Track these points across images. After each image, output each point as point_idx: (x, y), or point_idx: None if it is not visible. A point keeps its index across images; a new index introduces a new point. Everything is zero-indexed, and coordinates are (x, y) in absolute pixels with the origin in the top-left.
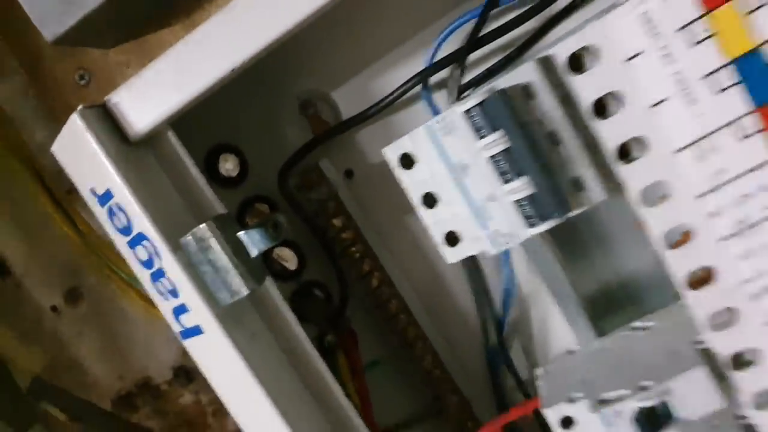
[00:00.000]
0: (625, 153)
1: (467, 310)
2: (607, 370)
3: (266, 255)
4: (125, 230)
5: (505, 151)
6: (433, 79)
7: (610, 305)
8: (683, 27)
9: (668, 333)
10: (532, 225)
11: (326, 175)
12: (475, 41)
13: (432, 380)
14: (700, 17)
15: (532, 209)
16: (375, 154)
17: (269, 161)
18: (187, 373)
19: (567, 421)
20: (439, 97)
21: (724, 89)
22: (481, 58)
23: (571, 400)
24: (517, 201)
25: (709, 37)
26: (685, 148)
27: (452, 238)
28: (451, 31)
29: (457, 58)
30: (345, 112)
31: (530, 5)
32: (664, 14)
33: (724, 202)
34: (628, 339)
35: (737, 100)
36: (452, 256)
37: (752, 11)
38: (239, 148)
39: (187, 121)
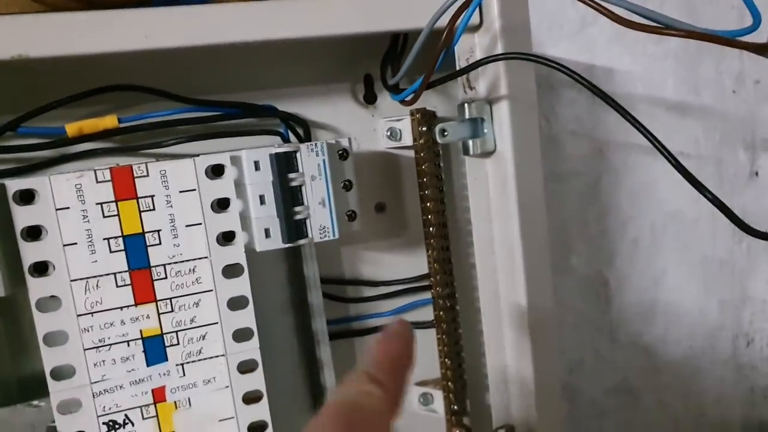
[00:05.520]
0: (39, 269)
1: None
2: None
3: None
4: None
5: None
6: None
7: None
8: (100, 203)
9: (46, 411)
10: None
11: None
12: None
13: None
14: (113, 201)
15: None
16: None
17: None
18: None
19: None
20: None
21: (113, 251)
22: None
23: None
24: None
25: (115, 216)
26: (78, 279)
27: None
28: None
29: None
30: None
31: (45, 141)
32: (91, 191)
33: (94, 324)
34: (17, 411)
35: (120, 261)
36: None
37: (145, 211)
38: None
39: None
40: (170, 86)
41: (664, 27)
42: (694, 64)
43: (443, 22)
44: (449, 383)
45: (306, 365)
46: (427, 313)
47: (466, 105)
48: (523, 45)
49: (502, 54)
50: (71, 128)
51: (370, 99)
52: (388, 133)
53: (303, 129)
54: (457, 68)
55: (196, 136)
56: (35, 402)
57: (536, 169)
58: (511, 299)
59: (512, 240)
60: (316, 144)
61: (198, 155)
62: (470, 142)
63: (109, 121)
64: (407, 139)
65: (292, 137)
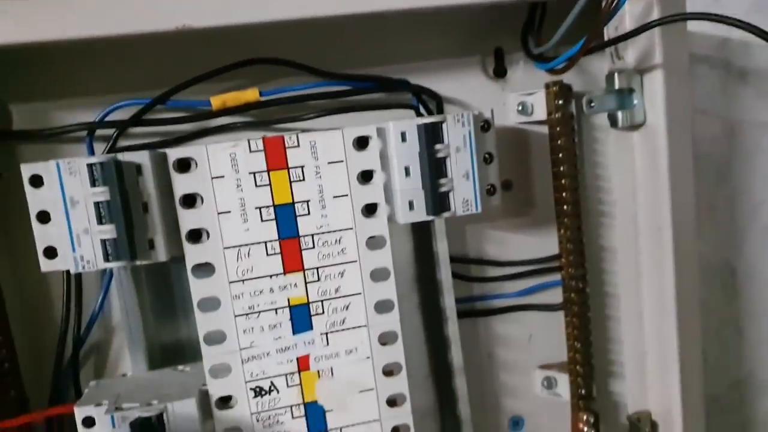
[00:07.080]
0: (194, 236)
1: (56, 319)
2: (138, 390)
3: None
4: None
5: (106, 202)
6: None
7: (182, 354)
8: (253, 173)
9: (194, 376)
10: (106, 260)
11: None
12: (137, 119)
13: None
14: (265, 171)
15: (111, 249)
16: None
17: None
18: None
19: (89, 420)
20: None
21: (265, 220)
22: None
23: (98, 405)
24: (102, 240)
25: (267, 185)
26: (231, 247)
27: (51, 252)
28: (119, 107)
29: (117, 125)
30: (17, 124)
31: (187, 115)
32: (244, 160)
33: (244, 291)
34: (166, 374)
35: (271, 230)
36: (45, 266)
37: (295, 181)
38: None
39: None
40: (302, 59)
41: None
42: None
43: None
44: (577, 367)
45: (431, 343)
46: (553, 295)
47: (615, 74)
48: (678, 11)
49: (683, 14)
50: (216, 101)
51: (500, 73)
52: (519, 108)
53: (436, 102)
54: (607, 37)
55: (333, 110)
56: (180, 367)
57: (687, 144)
58: (656, 283)
59: (661, 218)
60: (462, 114)
61: (332, 129)
62: (618, 114)
63: (251, 94)
64: (539, 114)
65: (423, 112)
